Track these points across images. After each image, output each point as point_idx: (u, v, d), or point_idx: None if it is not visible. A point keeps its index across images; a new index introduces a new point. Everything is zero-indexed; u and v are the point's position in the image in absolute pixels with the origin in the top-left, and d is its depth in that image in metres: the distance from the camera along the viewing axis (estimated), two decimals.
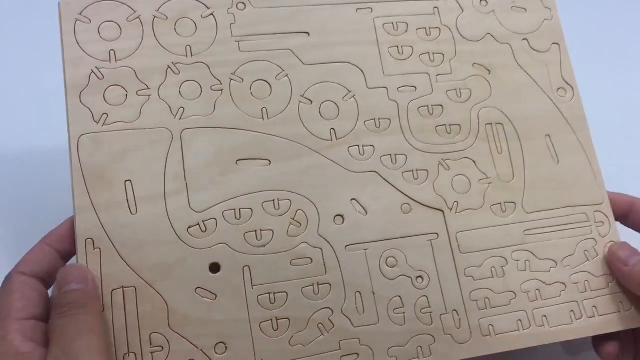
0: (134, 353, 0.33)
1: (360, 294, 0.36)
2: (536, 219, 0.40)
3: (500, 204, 0.40)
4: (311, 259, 0.36)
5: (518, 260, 0.39)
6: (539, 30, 0.44)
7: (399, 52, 0.41)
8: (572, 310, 0.39)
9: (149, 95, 0.36)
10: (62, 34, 0.36)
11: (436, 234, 0.38)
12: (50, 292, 0.34)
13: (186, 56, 0.38)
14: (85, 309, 0.32)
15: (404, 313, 0.36)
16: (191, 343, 0.33)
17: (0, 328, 0.32)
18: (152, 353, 0.33)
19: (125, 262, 0.34)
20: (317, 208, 0.37)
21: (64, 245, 0.35)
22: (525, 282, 0.39)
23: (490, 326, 0.37)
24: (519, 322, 0.38)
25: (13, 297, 0.32)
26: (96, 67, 0.36)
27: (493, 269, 0.38)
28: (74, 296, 0.32)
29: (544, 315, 0.38)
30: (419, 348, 0.36)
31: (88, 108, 0.35)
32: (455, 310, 0.37)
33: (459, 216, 0.39)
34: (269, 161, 0.37)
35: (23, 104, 0.51)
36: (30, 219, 0.47)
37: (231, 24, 0.39)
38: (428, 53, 0.42)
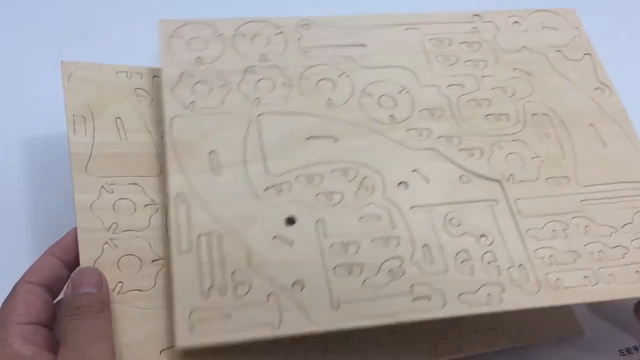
0: (218, 288, 0.35)
1: (427, 247, 0.38)
2: (591, 192, 0.42)
3: (554, 177, 0.42)
4: (379, 217, 0.39)
5: (578, 226, 0.40)
6: (570, 44, 0.49)
7: (445, 60, 0.47)
8: (637, 271, 0.39)
9: (230, 89, 0.42)
10: (160, 46, 0.43)
11: (495, 200, 0.41)
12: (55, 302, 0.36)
13: (261, 61, 0.44)
14: (100, 313, 0.33)
15: (471, 265, 0.38)
16: (270, 281, 0.35)
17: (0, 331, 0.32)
18: (234, 288, 0.35)
19: (210, 214, 0.37)
20: (381, 176, 0.40)
21: (69, 255, 0.36)
22: (588, 244, 0.40)
23: (558, 280, 0.38)
24: (585, 278, 0.38)
25: (16, 303, 0.33)
26: (185, 70, 0.42)
27: (554, 231, 0.40)
28: (88, 299, 0.33)
29: (610, 274, 0.39)
30: (489, 295, 0.37)
31: (179, 99, 0.41)
32: (521, 264, 0.38)
33: (516, 186, 0.41)
34: (336, 139, 0.41)
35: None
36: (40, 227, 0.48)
37: (298, 39, 0.46)
38: (471, 60, 0.47)
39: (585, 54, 0.49)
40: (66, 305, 0.33)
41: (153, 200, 0.39)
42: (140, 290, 0.36)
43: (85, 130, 0.40)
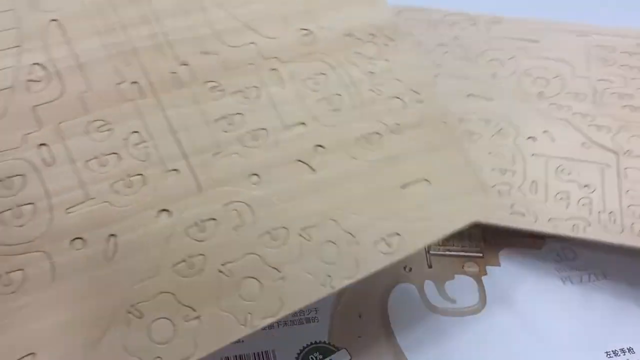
0: None
1: (535, 182, 0.50)
2: None
3: None
4: (504, 155, 0.52)
5: None
6: None
7: (603, 61, 0.58)
8: None
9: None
10: None
11: (607, 164, 0.51)
12: None
13: (452, 40, 0.60)
14: None
15: (568, 202, 0.49)
16: None
17: None
18: None
19: None
20: (516, 130, 0.54)
21: None
22: None
23: None
24: None
25: None
26: None
27: None
28: None
29: None
30: (575, 226, 0.48)
31: None
32: (612, 212, 0.49)
33: (630, 159, 0.52)
34: (489, 99, 0.56)
35: None
36: None
37: (487, 30, 0.61)
38: (627, 65, 0.58)
39: None
40: None
41: None
42: None
43: None
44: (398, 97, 0.41)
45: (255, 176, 0.36)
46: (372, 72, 0.41)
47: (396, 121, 0.40)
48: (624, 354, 0.46)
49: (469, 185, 0.40)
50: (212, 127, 0.36)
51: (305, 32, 0.40)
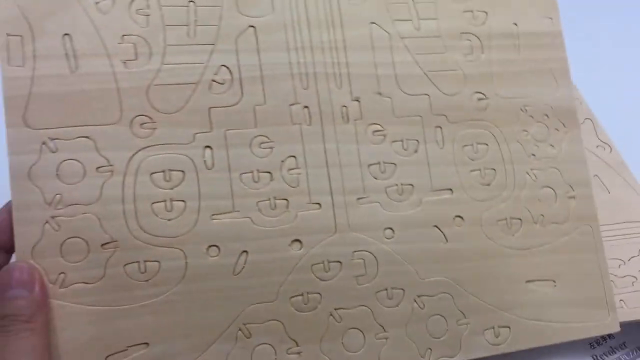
0: None
1: None
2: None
3: None
4: None
5: None
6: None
7: None
8: None
9: None
10: None
11: None
12: None
13: None
14: (29, 323, 0.28)
15: None
16: None
17: None
18: None
19: None
20: None
21: (4, 238, 0.30)
22: None
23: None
24: None
25: None
26: None
27: None
28: (17, 306, 0.28)
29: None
30: None
31: None
32: None
33: None
34: None
35: None
36: None
37: None
38: None
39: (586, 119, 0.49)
40: None
41: (107, 161, 0.32)
42: (86, 282, 0.31)
43: (23, 57, 0.31)
44: (551, 188, 0.39)
45: (390, 230, 0.36)
46: (534, 155, 0.39)
47: (542, 212, 0.39)
48: None
49: (596, 298, 0.39)
50: (364, 170, 0.36)
51: (481, 96, 0.39)
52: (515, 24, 0.40)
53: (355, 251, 0.35)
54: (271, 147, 0.34)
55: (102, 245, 0.32)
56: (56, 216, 0.31)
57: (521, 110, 0.39)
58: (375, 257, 0.35)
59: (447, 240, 0.37)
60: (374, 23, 0.37)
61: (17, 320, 0.28)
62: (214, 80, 0.34)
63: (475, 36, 0.39)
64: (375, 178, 0.36)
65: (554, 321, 0.38)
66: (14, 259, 0.31)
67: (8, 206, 0.30)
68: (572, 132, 0.40)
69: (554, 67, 0.40)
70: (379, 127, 0.36)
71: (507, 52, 0.40)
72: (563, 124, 0.40)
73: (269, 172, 0.34)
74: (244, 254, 0.33)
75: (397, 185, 0.36)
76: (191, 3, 0.34)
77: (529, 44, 0.40)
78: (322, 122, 0.35)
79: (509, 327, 0.37)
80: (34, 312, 0.28)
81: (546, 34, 0.41)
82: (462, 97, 0.38)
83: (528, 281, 0.38)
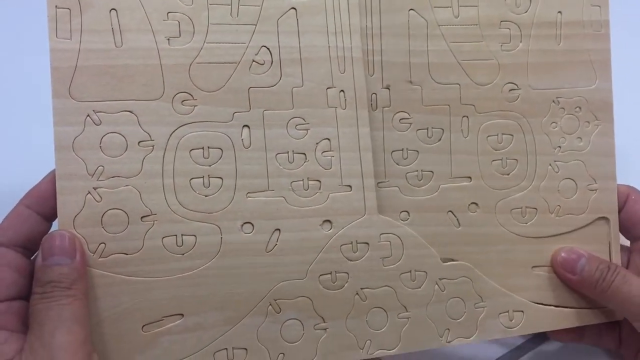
0: None
1: None
2: None
3: None
4: None
5: None
6: None
7: None
8: None
9: None
10: None
11: None
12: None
13: None
14: (70, 290, 0.28)
15: None
16: None
17: None
18: None
19: None
20: None
21: (46, 206, 0.31)
22: None
23: None
24: None
25: None
26: None
27: None
28: (58, 273, 0.28)
29: None
30: None
31: None
32: None
33: None
34: None
35: None
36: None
37: None
38: None
39: None
40: (35, 280, 0.29)
41: (149, 135, 0.32)
42: (125, 253, 0.32)
43: (71, 30, 0.31)
44: (572, 180, 0.40)
45: (406, 213, 0.37)
46: (559, 147, 0.40)
47: (559, 203, 0.40)
48: None
49: None
50: (387, 156, 0.37)
51: (513, 87, 0.39)
52: (560, 12, 0.40)
53: (382, 233, 0.36)
54: (306, 129, 0.35)
55: (142, 217, 0.32)
56: (98, 187, 0.32)
57: (553, 102, 0.40)
58: (401, 239, 0.36)
59: (459, 225, 0.38)
60: (412, 10, 0.37)
61: (58, 287, 0.28)
62: (254, 61, 0.34)
63: (516, 24, 0.39)
64: (397, 164, 0.37)
65: (565, 306, 0.39)
66: (54, 227, 0.32)
67: (51, 175, 0.31)
68: (604, 125, 0.41)
69: (594, 59, 0.41)
70: (405, 115, 0.37)
71: (546, 42, 0.40)
72: (595, 117, 0.41)
73: (304, 154, 0.35)
74: (277, 232, 0.34)
75: (417, 171, 0.37)
76: None
77: (572, 34, 0.40)
78: (357, 106, 0.36)
79: (523, 311, 0.38)
80: (74, 280, 0.29)
81: (592, 23, 0.41)
82: (494, 88, 0.39)
83: (533, 267, 0.39)
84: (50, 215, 0.31)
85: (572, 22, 0.40)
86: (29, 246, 0.31)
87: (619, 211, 0.41)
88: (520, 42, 0.39)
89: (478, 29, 0.38)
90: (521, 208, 0.39)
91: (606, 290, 0.37)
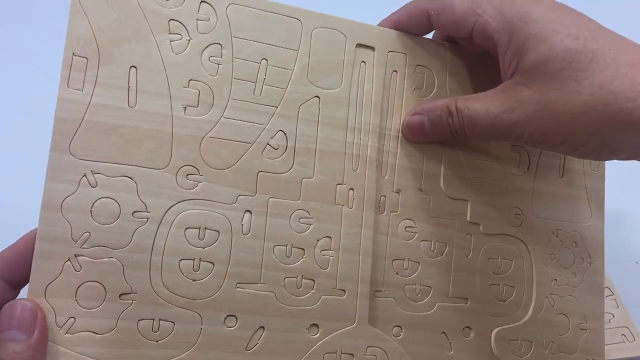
0: None
1: None
2: None
3: None
4: None
5: None
6: None
7: None
8: None
9: None
10: None
11: None
12: None
13: None
14: None
15: None
16: None
17: None
18: None
19: None
20: None
21: (17, 271, 0.28)
22: None
23: None
24: None
25: None
26: None
27: None
28: (12, 350, 0.26)
29: None
30: None
31: None
32: None
33: None
34: None
35: None
36: None
37: None
38: None
39: None
40: None
41: (145, 207, 0.30)
42: (94, 332, 0.29)
43: (84, 81, 0.29)
44: (566, 316, 0.39)
45: (398, 328, 0.35)
46: (555, 280, 0.39)
47: (553, 339, 0.39)
48: None
49: None
50: (388, 265, 0.35)
51: (518, 212, 0.39)
52: None
53: (369, 346, 0.34)
54: (310, 224, 0.33)
55: (120, 295, 0.30)
56: (80, 255, 0.29)
57: (553, 233, 0.39)
58: (387, 356, 0.34)
59: (451, 349, 0.36)
60: None
61: None
62: (269, 144, 0.33)
63: (525, 150, 0.39)
64: (397, 274, 0.35)
65: None
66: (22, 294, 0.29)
67: (29, 236, 0.29)
68: (596, 263, 0.41)
69: (591, 197, 0.41)
70: (412, 224, 0.36)
71: (550, 172, 0.40)
72: (589, 254, 0.40)
73: (302, 249, 0.33)
74: (261, 329, 0.32)
75: (415, 284, 0.35)
76: (264, 61, 0.33)
77: (572, 168, 0.40)
78: (364, 207, 0.34)
79: None
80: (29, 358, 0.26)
81: (590, 162, 0.41)
82: (500, 210, 0.38)
83: None
84: (19, 282, 0.29)
85: (574, 158, 0.40)
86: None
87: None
88: (528, 168, 0.39)
89: (493, 148, 0.38)
90: (518, 340, 0.37)
91: (464, 136, 0.34)
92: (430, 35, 0.38)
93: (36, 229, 0.28)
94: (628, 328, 0.48)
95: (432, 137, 0.35)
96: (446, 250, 0.36)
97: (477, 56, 0.38)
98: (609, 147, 0.30)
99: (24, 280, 0.28)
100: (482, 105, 0.32)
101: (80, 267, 0.29)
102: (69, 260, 0.29)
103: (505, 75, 0.33)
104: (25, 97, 0.49)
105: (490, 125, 0.32)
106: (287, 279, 0.33)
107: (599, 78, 0.29)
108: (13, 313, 0.27)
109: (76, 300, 0.29)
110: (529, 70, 0.31)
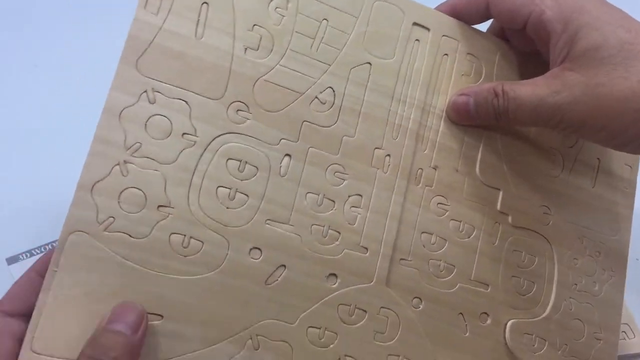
0: None
1: None
2: None
3: None
4: None
5: None
6: None
7: None
8: None
9: None
10: None
11: None
12: None
13: None
14: None
15: None
16: None
17: None
18: None
19: None
20: None
21: (22, 302, 0.29)
22: None
23: None
24: None
25: None
26: None
27: None
28: (116, 340, 0.27)
29: None
30: None
31: None
32: None
33: None
34: None
35: None
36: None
37: None
38: None
39: None
40: (89, 342, 0.27)
41: (195, 131, 0.32)
42: (130, 235, 0.31)
43: (159, 8, 0.32)
44: (582, 322, 0.39)
45: (418, 299, 0.36)
46: (575, 285, 0.40)
47: (567, 342, 0.39)
48: None
49: None
50: (416, 236, 0.36)
51: (546, 210, 0.39)
52: (599, 159, 0.41)
53: (382, 307, 0.35)
54: (343, 179, 0.35)
55: (159, 206, 0.31)
56: (129, 162, 0.31)
57: (579, 238, 0.40)
58: (399, 320, 0.35)
59: (466, 331, 0.36)
60: None
61: (108, 357, 0.27)
62: (317, 97, 0.34)
63: (560, 154, 0.40)
64: (424, 246, 0.36)
65: None
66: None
67: (33, 269, 0.30)
68: (617, 278, 0.41)
69: (620, 212, 0.41)
70: (443, 201, 0.37)
71: (583, 180, 0.40)
72: (611, 268, 0.41)
73: (333, 201, 0.34)
74: (282, 267, 0.33)
75: (440, 261, 0.36)
76: (324, 21, 0.35)
77: (605, 181, 0.41)
78: (398, 174, 0.36)
79: None
80: (124, 354, 0.27)
81: (622, 179, 0.42)
82: (531, 205, 0.39)
83: None
84: (26, 312, 0.29)
85: (607, 171, 0.41)
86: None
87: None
88: (562, 171, 0.40)
89: (531, 144, 0.39)
90: (532, 335, 0.37)
91: (508, 119, 0.35)
92: (483, 28, 0.40)
93: (35, 262, 0.31)
94: (628, 325, 0.48)
95: (476, 118, 0.36)
96: (474, 233, 0.37)
97: (526, 55, 0.39)
98: None
99: (31, 311, 0.29)
100: (529, 88, 0.33)
101: (128, 172, 0.31)
102: (118, 164, 0.31)
103: (554, 64, 0.34)
104: (23, 95, 0.51)
105: (534, 107, 0.33)
106: (314, 226, 0.34)
107: None
108: (124, 311, 0.28)
109: (119, 202, 0.31)
110: (579, 56, 0.32)
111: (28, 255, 0.47)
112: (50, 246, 0.47)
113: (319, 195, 0.34)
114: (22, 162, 0.49)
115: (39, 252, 0.48)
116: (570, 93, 0.32)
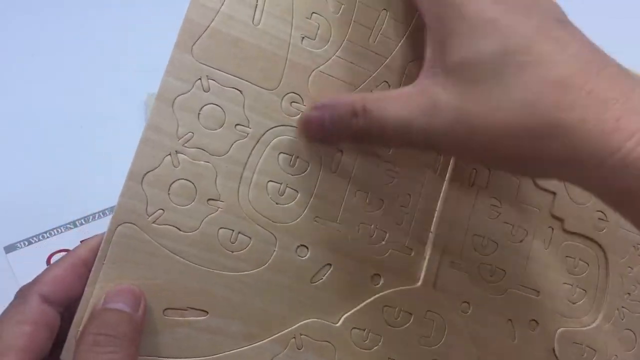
0: None
1: None
2: None
3: None
4: None
5: None
6: None
7: None
8: None
9: None
10: None
11: None
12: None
13: None
14: (122, 346, 0.26)
15: None
16: None
17: None
18: None
19: None
20: None
21: (58, 292, 0.28)
22: None
23: None
24: None
25: (21, 330, 0.26)
26: None
27: None
28: (115, 319, 0.26)
29: None
30: None
31: None
32: None
33: None
34: None
35: None
36: None
37: None
38: None
39: None
40: (88, 324, 0.26)
41: (248, 122, 0.31)
42: (178, 228, 0.30)
43: None
44: (633, 332, 0.39)
45: (467, 304, 0.35)
46: (629, 294, 0.38)
47: (617, 352, 0.38)
48: None
49: None
50: (468, 239, 0.35)
51: (602, 216, 0.38)
52: None
53: (429, 310, 0.34)
54: (394, 177, 0.33)
55: (209, 200, 0.30)
56: (180, 153, 0.30)
57: (633, 247, 0.38)
58: (445, 324, 0.34)
59: (515, 338, 0.35)
60: None
61: (112, 338, 0.26)
62: (371, 92, 0.33)
63: None
64: (475, 249, 0.35)
65: None
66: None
67: (71, 258, 0.29)
68: None
69: None
70: (497, 203, 0.35)
71: None
72: None
73: (382, 200, 0.33)
74: (328, 266, 0.32)
75: (491, 265, 0.35)
76: (384, 11, 0.33)
77: None
78: (450, 174, 0.34)
79: None
80: (130, 334, 0.26)
81: None
82: (586, 210, 0.37)
83: None
84: (62, 302, 0.28)
85: None
86: (73, 309, 0.28)
87: None
88: None
89: None
90: (582, 345, 0.36)
91: (371, 142, 0.31)
92: None
93: (77, 247, 0.29)
94: None
95: (335, 139, 0.31)
96: (526, 238, 0.36)
97: None
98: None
99: (69, 302, 0.28)
100: (397, 105, 0.27)
101: (179, 163, 0.30)
102: (169, 154, 0.30)
103: (428, 62, 0.28)
104: (20, 84, 0.51)
105: (401, 132, 0.27)
106: (362, 224, 0.33)
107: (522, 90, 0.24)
108: (120, 290, 0.27)
109: (169, 194, 0.30)
110: (452, 70, 0.26)
111: (26, 243, 0.47)
112: (48, 234, 0.47)
113: (368, 193, 0.33)
114: (20, 150, 0.50)
115: (36, 240, 0.48)
116: (443, 120, 0.26)
